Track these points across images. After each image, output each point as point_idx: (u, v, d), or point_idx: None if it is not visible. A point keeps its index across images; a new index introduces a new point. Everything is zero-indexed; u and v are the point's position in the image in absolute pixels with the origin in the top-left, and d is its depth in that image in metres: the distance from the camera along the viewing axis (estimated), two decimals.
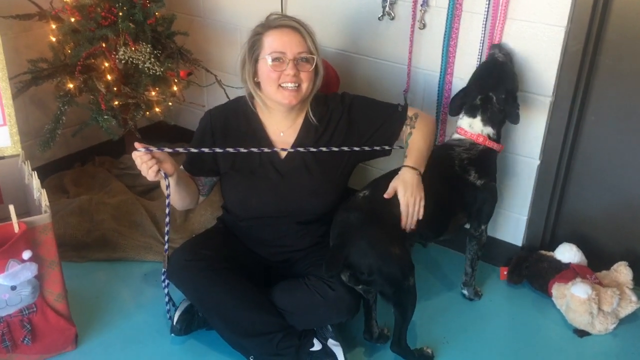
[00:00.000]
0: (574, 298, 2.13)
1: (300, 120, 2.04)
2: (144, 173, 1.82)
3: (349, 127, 2.05)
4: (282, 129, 2.03)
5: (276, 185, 1.99)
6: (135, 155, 1.79)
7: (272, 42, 1.90)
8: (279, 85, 1.91)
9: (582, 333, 2.15)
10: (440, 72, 2.33)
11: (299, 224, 2.05)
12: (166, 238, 1.98)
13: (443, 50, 2.29)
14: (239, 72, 2.00)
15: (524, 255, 2.40)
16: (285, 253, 2.09)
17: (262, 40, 1.92)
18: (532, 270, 2.34)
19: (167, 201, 1.94)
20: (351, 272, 1.83)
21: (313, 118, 2.01)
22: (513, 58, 2.14)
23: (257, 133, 2.02)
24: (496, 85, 2.05)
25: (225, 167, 2.03)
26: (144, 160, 1.78)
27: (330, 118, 2.05)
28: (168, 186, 1.90)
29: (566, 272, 2.26)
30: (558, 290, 2.23)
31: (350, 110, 2.06)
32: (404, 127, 2.06)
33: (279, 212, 2.01)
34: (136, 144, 1.78)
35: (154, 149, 1.79)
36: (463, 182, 2.05)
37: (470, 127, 2.08)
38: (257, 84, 1.98)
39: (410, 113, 2.07)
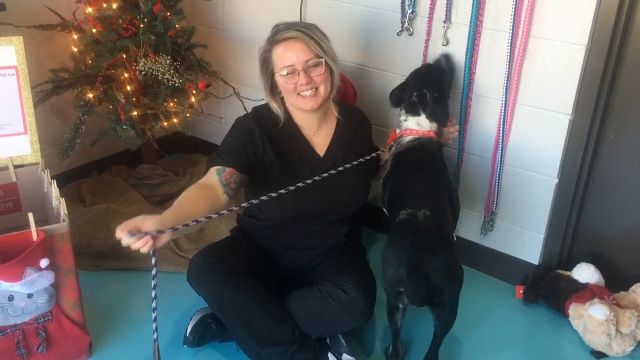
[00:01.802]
0: (591, 319, 2.10)
1: (332, 121, 2.12)
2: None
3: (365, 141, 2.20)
4: (313, 129, 2.09)
5: (319, 184, 1.94)
6: (125, 242, 1.53)
7: (280, 57, 1.95)
8: (298, 94, 1.96)
9: (599, 355, 2.12)
10: (463, 88, 2.33)
11: (324, 225, 2.08)
12: (154, 326, 1.68)
13: (465, 67, 2.29)
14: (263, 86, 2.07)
15: (541, 274, 2.38)
16: (307, 255, 2.10)
17: (271, 57, 1.97)
18: (549, 289, 2.32)
19: (152, 283, 1.66)
20: (424, 295, 1.73)
21: (341, 118, 2.12)
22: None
23: (294, 135, 2.07)
24: (431, 85, 2.10)
25: (270, 167, 2.01)
26: (133, 243, 1.53)
27: (359, 124, 2.19)
28: (154, 265, 1.65)
29: (583, 292, 2.23)
30: (575, 311, 2.20)
31: (367, 134, 2.24)
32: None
33: (318, 212, 2.05)
34: (120, 231, 1.50)
35: (141, 234, 1.51)
36: (444, 176, 2.08)
37: (419, 125, 2.07)
38: (279, 94, 2.04)
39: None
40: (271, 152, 1.99)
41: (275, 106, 2.04)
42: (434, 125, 2.08)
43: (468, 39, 2.24)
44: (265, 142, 1.99)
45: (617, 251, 2.36)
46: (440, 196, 1.95)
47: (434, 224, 1.82)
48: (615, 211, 2.31)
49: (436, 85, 2.11)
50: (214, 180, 1.86)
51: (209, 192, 1.82)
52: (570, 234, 2.40)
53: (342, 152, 2.09)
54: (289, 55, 1.93)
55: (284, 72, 1.93)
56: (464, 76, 2.30)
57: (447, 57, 2.25)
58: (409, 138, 2.07)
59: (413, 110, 2.08)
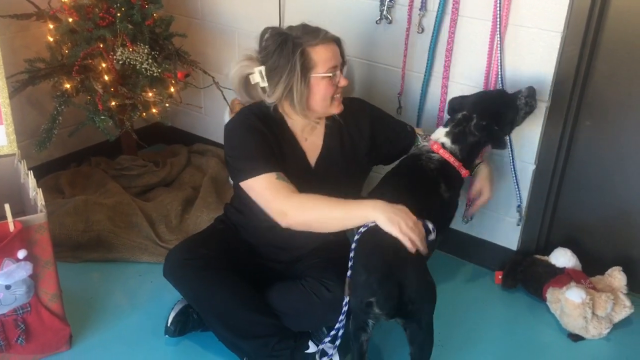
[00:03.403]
0: (568, 302, 2.13)
1: (320, 127, 2.02)
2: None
3: (370, 136, 2.07)
4: (305, 134, 2.01)
5: (310, 190, 1.88)
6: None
7: (325, 57, 1.84)
8: (332, 97, 1.90)
9: (576, 337, 2.16)
10: (425, 74, 2.34)
11: None
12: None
13: (428, 53, 2.30)
14: (276, 94, 1.88)
15: (519, 260, 2.41)
16: (294, 253, 2.06)
17: (310, 57, 1.83)
18: (527, 274, 2.35)
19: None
20: (394, 303, 1.62)
21: (338, 118, 2.00)
22: (528, 111, 2.05)
23: (289, 141, 1.97)
24: (487, 114, 1.97)
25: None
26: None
27: (352, 119, 2.05)
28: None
29: (561, 276, 2.27)
30: (552, 295, 2.24)
31: (372, 121, 2.08)
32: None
33: None
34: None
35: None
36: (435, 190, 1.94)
37: (434, 134, 2.03)
38: (288, 97, 1.89)
39: (419, 131, 2.15)
40: (278, 154, 1.92)
41: (289, 114, 1.94)
42: (447, 142, 1.97)
43: (434, 25, 2.24)
44: (274, 144, 1.93)
45: (594, 236, 2.39)
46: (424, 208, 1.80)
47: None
48: (591, 197, 2.35)
49: (491, 115, 1.97)
50: (283, 184, 1.81)
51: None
52: (548, 219, 2.43)
53: (333, 161, 2.01)
54: (334, 56, 1.87)
55: (329, 73, 1.85)
56: (427, 58, 2.32)
57: (530, 91, 2.03)
58: (426, 148, 2.00)
59: (449, 122, 2.02)
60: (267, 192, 1.82)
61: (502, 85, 2.20)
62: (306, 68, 1.84)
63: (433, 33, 2.27)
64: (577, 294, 2.13)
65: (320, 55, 1.84)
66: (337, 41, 1.91)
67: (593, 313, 2.12)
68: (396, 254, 1.65)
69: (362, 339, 1.77)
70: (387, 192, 1.86)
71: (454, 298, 2.34)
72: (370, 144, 2.07)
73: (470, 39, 2.23)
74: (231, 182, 2.05)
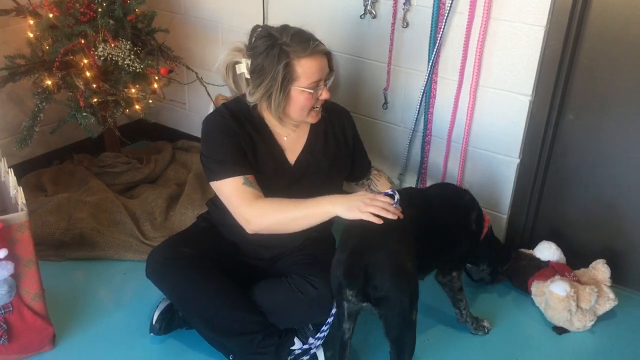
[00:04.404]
0: (552, 295, 2.15)
1: (305, 126, 2.01)
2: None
3: (352, 145, 2.11)
4: (284, 133, 1.99)
5: (287, 188, 1.93)
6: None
7: (310, 71, 1.81)
8: (311, 108, 1.89)
9: (560, 330, 2.17)
10: (428, 70, 2.33)
11: None
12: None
13: (429, 49, 2.30)
14: (255, 95, 1.88)
15: None
16: (276, 251, 2.05)
17: (294, 66, 1.80)
18: (512, 267, 2.36)
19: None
20: (362, 284, 1.63)
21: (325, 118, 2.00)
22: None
23: (266, 138, 1.96)
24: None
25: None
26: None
27: (337, 123, 2.07)
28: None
29: (545, 270, 2.28)
30: (537, 288, 2.25)
31: (354, 135, 2.12)
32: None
33: None
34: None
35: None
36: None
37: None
38: (269, 99, 1.88)
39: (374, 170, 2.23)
40: (251, 153, 1.93)
41: (267, 113, 1.93)
42: None
43: (432, 21, 2.25)
44: (247, 144, 1.92)
45: (578, 229, 2.41)
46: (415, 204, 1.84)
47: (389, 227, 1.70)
48: (575, 190, 2.36)
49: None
50: (249, 189, 1.83)
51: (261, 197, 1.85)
52: (533, 213, 2.45)
53: (314, 160, 2.00)
54: (319, 70, 1.83)
55: (311, 88, 1.83)
56: (428, 58, 2.31)
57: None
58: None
59: None
60: (232, 197, 1.85)
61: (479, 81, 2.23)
62: (288, 80, 1.82)
63: (431, 30, 2.26)
64: (562, 287, 2.14)
65: (305, 69, 1.81)
66: (327, 54, 1.88)
67: (577, 306, 2.14)
68: (373, 239, 1.68)
69: (344, 327, 1.77)
70: None
71: (438, 291, 2.33)
72: (350, 152, 2.11)
73: (454, 34, 2.23)
74: None
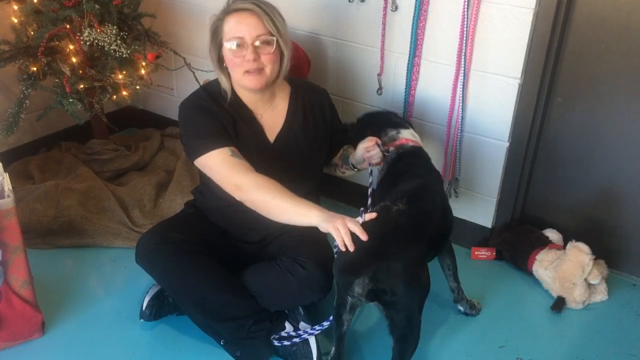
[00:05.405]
0: (574, 248, 2.18)
1: (283, 104, 2.03)
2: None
3: (330, 122, 2.13)
4: (260, 110, 2.00)
5: (268, 166, 1.91)
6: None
7: (231, 28, 1.86)
8: (244, 71, 1.88)
9: (559, 305, 2.18)
10: (410, 53, 2.33)
11: None
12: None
13: (412, 32, 2.29)
14: (210, 58, 1.96)
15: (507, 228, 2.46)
16: (263, 233, 2.04)
17: (222, 27, 1.88)
18: (512, 241, 2.39)
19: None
20: (373, 287, 1.63)
21: (295, 100, 2.04)
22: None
23: (245, 117, 1.98)
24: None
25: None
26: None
27: (317, 101, 2.09)
28: None
29: (550, 245, 2.33)
30: (547, 254, 2.27)
31: (332, 114, 2.14)
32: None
33: None
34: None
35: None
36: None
37: (414, 136, 2.07)
38: (227, 68, 1.94)
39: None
40: (232, 131, 1.93)
41: (224, 80, 1.95)
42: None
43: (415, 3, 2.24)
44: (228, 122, 1.93)
45: (567, 212, 2.42)
46: (426, 200, 1.81)
47: (407, 220, 1.69)
48: (564, 173, 2.37)
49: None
50: (239, 161, 1.84)
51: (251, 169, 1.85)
52: (522, 196, 2.45)
53: (293, 138, 2.02)
54: (242, 27, 1.85)
55: (233, 44, 1.85)
56: (410, 41, 2.30)
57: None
58: (409, 144, 2.03)
59: (402, 126, 2.08)
60: (222, 168, 1.85)
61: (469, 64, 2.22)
62: (217, 36, 1.90)
63: (415, 12, 2.25)
64: (587, 247, 2.18)
65: (228, 26, 1.86)
66: (256, 12, 1.85)
67: (585, 279, 2.16)
68: (388, 242, 1.64)
69: (344, 318, 1.76)
70: None
71: (431, 275, 2.34)
72: (329, 129, 2.12)
73: (443, 17, 2.22)
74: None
